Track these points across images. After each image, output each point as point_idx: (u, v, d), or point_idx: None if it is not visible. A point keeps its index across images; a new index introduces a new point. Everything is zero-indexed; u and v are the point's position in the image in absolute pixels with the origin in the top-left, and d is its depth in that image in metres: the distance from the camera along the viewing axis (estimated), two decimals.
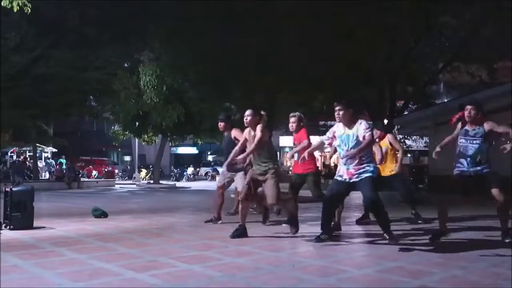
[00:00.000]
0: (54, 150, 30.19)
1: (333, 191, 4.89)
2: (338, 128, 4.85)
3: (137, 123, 22.80)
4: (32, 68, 17.55)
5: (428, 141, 20.86)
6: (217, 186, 6.93)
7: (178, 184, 27.27)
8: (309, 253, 4.60)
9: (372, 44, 12.76)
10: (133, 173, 30.04)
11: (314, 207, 7.38)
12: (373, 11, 12.14)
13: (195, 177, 34.16)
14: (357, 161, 4.64)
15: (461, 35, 14.62)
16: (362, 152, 4.62)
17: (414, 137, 25.29)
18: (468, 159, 4.84)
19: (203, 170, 37.22)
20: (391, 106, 14.82)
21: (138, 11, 17.48)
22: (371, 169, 4.66)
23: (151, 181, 26.01)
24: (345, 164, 4.74)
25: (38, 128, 23.58)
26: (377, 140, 6.25)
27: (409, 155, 26.50)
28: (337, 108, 4.76)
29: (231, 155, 5.54)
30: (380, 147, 6.42)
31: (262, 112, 5.44)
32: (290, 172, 6.23)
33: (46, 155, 30.76)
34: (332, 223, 5.42)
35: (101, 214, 7.56)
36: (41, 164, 28.41)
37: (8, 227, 5.89)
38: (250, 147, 5.28)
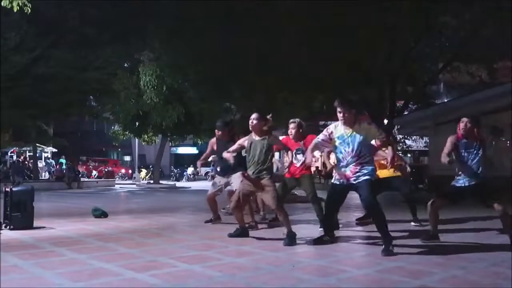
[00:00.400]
0: (54, 150, 30.24)
1: (333, 195, 4.84)
2: (337, 128, 4.69)
3: (137, 123, 22.78)
4: (32, 68, 17.54)
5: (428, 141, 20.87)
6: (207, 196, 6.69)
7: (178, 184, 27.26)
8: (309, 253, 4.60)
9: (372, 44, 12.74)
10: (133, 173, 30.07)
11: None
12: (373, 11, 12.12)
13: (195, 177, 34.13)
14: (355, 162, 4.56)
15: (461, 35, 14.60)
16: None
17: (414, 137, 25.33)
18: (470, 172, 4.83)
19: (203, 170, 37.18)
20: (391, 106, 14.80)
21: (138, 11, 17.47)
22: (369, 171, 4.55)
23: (151, 181, 26.02)
24: (343, 166, 4.63)
25: (38, 128, 23.57)
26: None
27: (409, 155, 26.52)
28: (340, 109, 4.60)
29: (230, 148, 5.48)
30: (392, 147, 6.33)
31: (268, 117, 5.33)
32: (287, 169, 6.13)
33: (46, 155, 30.79)
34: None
35: (101, 214, 7.56)
36: (41, 164, 28.44)
37: (8, 227, 5.89)
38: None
